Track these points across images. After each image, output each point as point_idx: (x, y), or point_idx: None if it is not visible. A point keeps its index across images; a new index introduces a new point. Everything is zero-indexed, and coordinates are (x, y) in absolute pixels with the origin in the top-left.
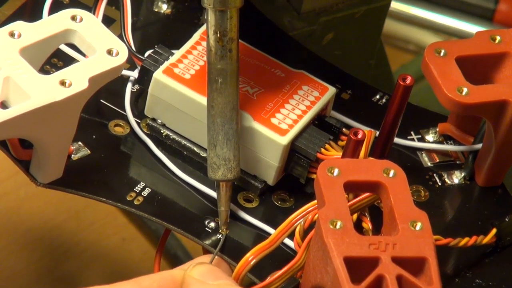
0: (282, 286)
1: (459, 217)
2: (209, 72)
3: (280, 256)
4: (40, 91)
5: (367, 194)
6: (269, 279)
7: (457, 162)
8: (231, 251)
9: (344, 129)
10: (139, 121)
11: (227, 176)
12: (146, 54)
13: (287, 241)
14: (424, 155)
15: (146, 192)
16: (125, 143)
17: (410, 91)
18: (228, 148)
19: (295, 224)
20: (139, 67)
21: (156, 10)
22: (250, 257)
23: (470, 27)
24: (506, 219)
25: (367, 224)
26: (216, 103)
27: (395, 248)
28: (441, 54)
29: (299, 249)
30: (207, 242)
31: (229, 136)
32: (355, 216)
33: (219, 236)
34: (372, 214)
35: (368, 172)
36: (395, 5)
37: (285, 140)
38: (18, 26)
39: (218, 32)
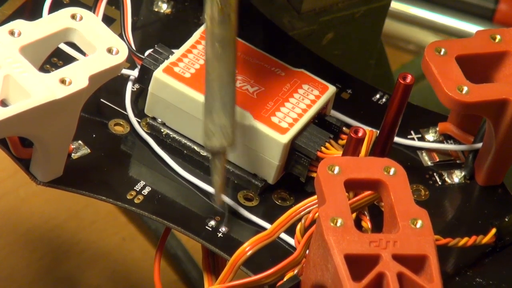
0: (283, 284)
1: (459, 216)
2: (207, 38)
3: (281, 254)
4: (40, 89)
5: (368, 192)
6: (267, 272)
7: (457, 161)
8: (231, 249)
9: (344, 128)
10: (139, 120)
11: (222, 143)
12: (146, 53)
13: (289, 239)
14: (424, 154)
15: (146, 191)
16: (125, 142)
17: (410, 89)
18: (224, 113)
19: (294, 218)
20: (139, 66)
21: (156, 9)
22: (247, 247)
23: (470, 27)
24: (506, 219)
25: (367, 223)
26: (213, 68)
27: (395, 246)
28: (441, 53)
29: (299, 245)
30: (207, 240)
31: (225, 102)
32: (353, 215)
33: (219, 234)
34: (372, 213)
35: (368, 170)
36: (395, 5)
37: (285, 138)
38: (18, 24)
39: None
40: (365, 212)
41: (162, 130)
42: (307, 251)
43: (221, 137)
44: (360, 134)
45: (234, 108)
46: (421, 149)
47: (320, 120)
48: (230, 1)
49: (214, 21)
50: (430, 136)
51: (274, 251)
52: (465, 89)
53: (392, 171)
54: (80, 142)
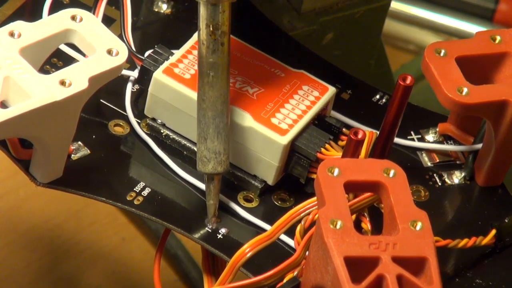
0: (282, 285)
1: (459, 217)
2: (201, 66)
3: (281, 255)
4: (40, 90)
5: (367, 194)
6: (266, 274)
7: (457, 162)
8: (231, 251)
9: (344, 129)
10: (139, 121)
11: (217, 169)
12: (146, 54)
13: (289, 241)
14: (424, 155)
15: (146, 192)
16: (125, 143)
17: (410, 91)
18: (219, 141)
19: (294, 220)
20: (139, 67)
21: (156, 10)
22: (247, 249)
23: (470, 27)
24: (506, 220)
25: (366, 225)
26: (207, 96)
27: (395, 248)
28: (441, 54)
29: (298, 247)
30: (207, 242)
31: (219, 130)
32: (353, 216)
33: (219, 236)
34: (371, 215)
35: (368, 172)
36: (395, 5)
37: (285, 140)
38: (18, 25)
39: (210, 26)
40: (365, 214)
41: (162, 131)
42: (307, 253)
43: (215, 164)
44: (359, 136)
45: (228, 135)
46: (421, 149)
47: (320, 121)
48: (224, 29)
49: (208, 50)
50: (430, 136)
51: (274, 253)
52: (465, 90)
53: (392, 173)
54: (80, 143)
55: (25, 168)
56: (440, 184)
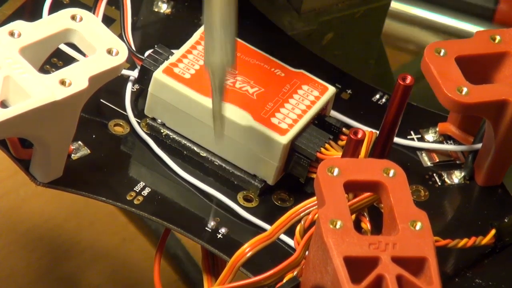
0: (282, 285)
1: (459, 216)
2: None
3: (281, 255)
4: (40, 90)
5: (367, 194)
6: (266, 274)
7: (457, 162)
8: (230, 250)
9: (344, 129)
10: (139, 121)
11: (222, 59)
12: (146, 53)
13: (289, 240)
14: (424, 154)
15: (146, 192)
16: (125, 143)
17: (410, 91)
18: (224, 31)
19: (294, 220)
20: (139, 67)
21: (156, 10)
22: (247, 249)
23: (470, 27)
24: (506, 220)
25: (366, 225)
26: (214, 6)
27: (395, 248)
28: (441, 53)
29: (298, 246)
30: (207, 241)
31: (225, 19)
32: (353, 216)
33: (219, 235)
34: (371, 215)
35: (368, 172)
36: (395, 5)
37: (285, 139)
38: (18, 25)
39: None
40: (365, 214)
41: (162, 131)
42: (307, 253)
43: (221, 54)
44: (359, 136)
45: (234, 27)
46: (420, 149)
47: (319, 121)
48: None
49: None
50: (429, 136)
51: (274, 252)
52: (465, 90)
53: (391, 172)
54: (80, 142)
55: (25, 168)
56: (440, 184)
